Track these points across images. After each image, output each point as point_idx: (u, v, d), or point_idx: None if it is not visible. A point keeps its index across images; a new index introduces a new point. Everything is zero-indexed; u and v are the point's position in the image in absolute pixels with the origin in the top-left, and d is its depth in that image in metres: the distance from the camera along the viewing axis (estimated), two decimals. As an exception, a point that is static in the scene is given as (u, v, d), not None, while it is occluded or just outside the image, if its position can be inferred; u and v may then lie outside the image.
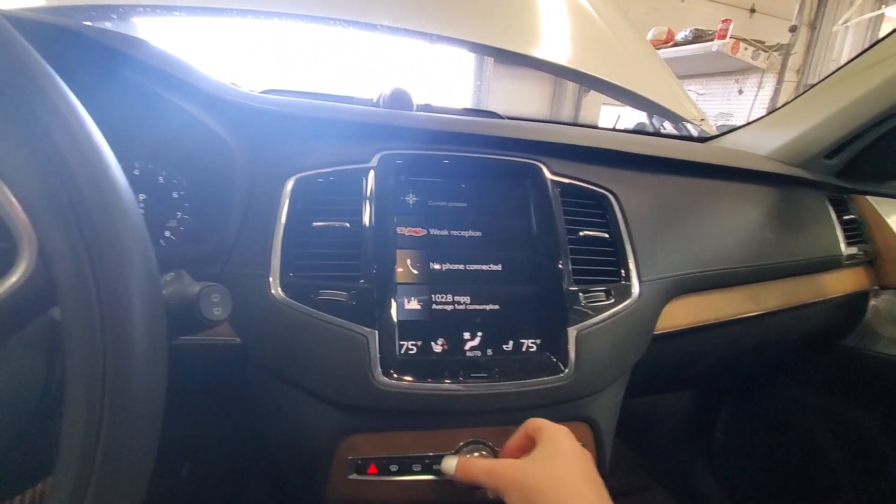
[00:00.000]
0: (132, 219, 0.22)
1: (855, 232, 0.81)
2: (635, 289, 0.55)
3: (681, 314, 0.60)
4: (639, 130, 1.18)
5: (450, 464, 0.44)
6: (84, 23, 0.53)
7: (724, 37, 3.07)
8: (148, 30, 0.86)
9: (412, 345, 0.47)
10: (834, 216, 0.78)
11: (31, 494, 0.67)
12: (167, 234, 0.50)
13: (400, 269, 0.48)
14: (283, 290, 0.46)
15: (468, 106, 1.30)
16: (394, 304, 0.47)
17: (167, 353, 0.23)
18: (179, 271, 0.32)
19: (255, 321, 0.47)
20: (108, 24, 0.78)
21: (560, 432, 0.41)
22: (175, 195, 0.50)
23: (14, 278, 0.19)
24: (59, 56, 0.45)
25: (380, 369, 0.45)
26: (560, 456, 0.39)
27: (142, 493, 0.22)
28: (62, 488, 0.19)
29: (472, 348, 0.48)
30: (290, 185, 0.49)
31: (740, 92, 3.52)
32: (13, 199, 0.19)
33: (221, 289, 0.31)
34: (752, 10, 5.83)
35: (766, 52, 3.12)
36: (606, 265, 0.55)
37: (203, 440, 0.71)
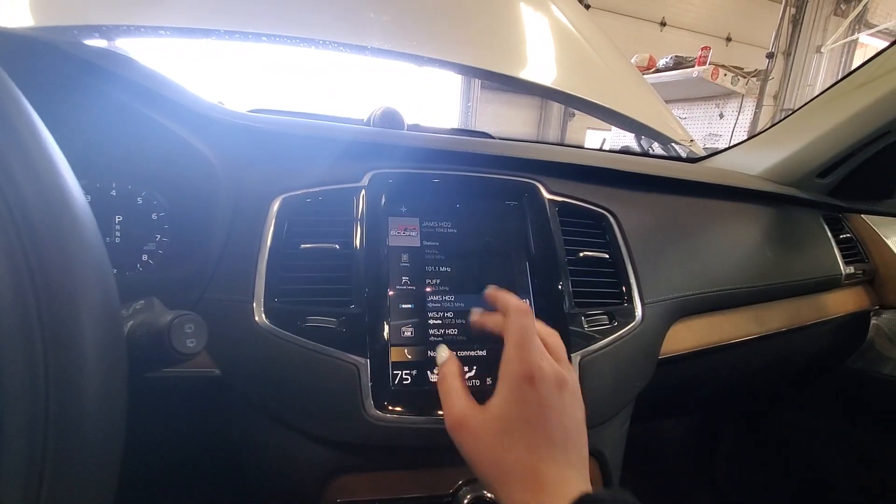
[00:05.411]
0: (88, 244, 0.19)
1: (852, 251, 0.80)
2: (638, 311, 0.52)
3: (685, 337, 0.58)
4: (629, 151, 1.18)
5: (442, 356, 0.41)
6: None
7: (703, 63, 3.18)
8: (133, 50, 0.84)
9: (406, 374, 0.44)
10: (830, 235, 0.78)
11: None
12: (144, 257, 0.47)
13: (392, 294, 0.45)
14: (266, 316, 0.43)
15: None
16: (386, 330, 0.44)
17: (126, 399, 0.20)
18: (150, 299, 0.29)
19: (237, 351, 0.43)
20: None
21: (525, 369, 0.34)
22: (154, 217, 0.47)
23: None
24: (40, 72, 0.43)
25: (372, 401, 0.42)
26: (523, 424, 0.33)
27: None
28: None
29: (471, 377, 0.45)
30: (276, 205, 0.46)
31: (721, 116, 3.62)
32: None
33: (196, 318, 0.28)
34: (729, 39, 6.10)
35: (744, 77, 3.23)
36: (607, 287, 0.53)
37: (186, 470, 0.66)
